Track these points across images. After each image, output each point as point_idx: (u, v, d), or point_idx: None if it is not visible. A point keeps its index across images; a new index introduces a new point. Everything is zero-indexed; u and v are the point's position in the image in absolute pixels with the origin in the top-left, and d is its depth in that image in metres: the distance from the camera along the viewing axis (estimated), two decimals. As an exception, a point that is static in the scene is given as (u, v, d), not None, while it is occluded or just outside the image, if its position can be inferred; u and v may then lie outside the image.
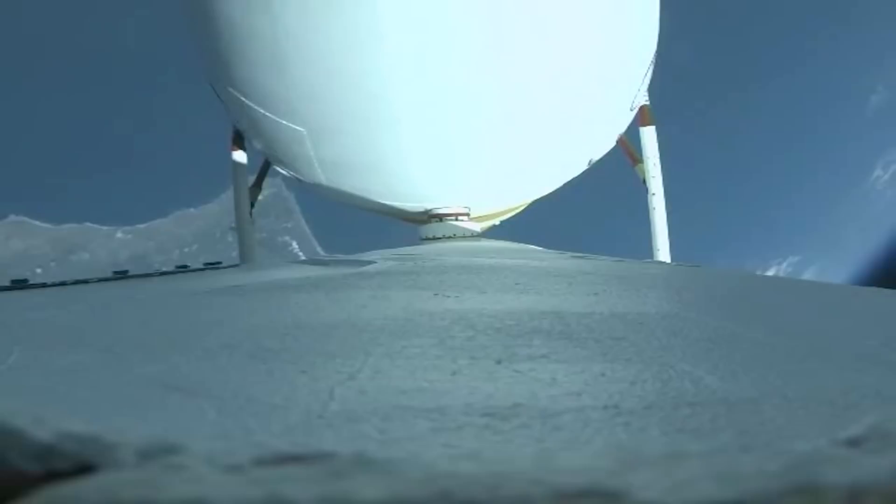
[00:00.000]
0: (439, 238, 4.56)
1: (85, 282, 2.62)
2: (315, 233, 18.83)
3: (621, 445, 0.68)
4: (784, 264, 21.76)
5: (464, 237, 4.60)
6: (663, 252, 5.20)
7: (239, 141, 5.06)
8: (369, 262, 2.75)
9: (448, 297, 1.88)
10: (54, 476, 0.29)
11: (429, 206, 4.55)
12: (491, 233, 6.17)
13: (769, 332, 1.32)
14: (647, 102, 5.06)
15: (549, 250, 4.35)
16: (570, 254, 3.90)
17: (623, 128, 4.86)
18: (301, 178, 4.72)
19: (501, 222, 6.33)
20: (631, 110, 4.63)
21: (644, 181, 5.23)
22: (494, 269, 2.40)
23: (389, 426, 0.75)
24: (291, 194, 18.25)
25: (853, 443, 0.30)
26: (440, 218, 4.58)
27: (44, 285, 2.55)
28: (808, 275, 21.60)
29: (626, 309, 1.51)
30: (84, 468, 0.30)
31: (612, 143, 4.90)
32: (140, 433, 0.34)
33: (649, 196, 5.23)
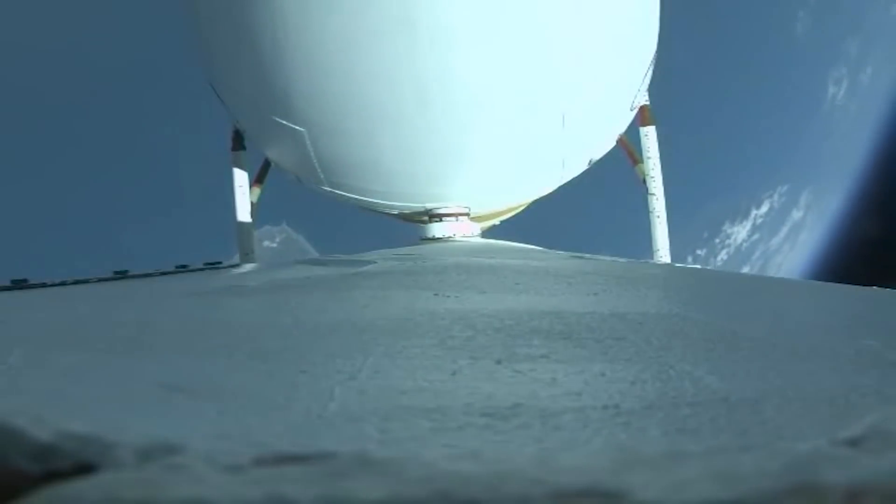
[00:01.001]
0: (439, 238, 4.56)
1: (85, 281, 2.62)
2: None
3: (621, 445, 0.68)
4: (775, 195, 22.14)
5: (463, 237, 4.60)
6: (663, 252, 5.20)
7: (239, 141, 5.07)
8: (369, 262, 2.75)
9: (448, 297, 1.88)
10: (54, 476, 0.29)
11: (429, 206, 4.55)
12: (491, 233, 6.17)
13: (769, 332, 1.32)
14: (647, 102, 5.06)
15: (549, 250, 4.35)
16: (570, 254, 3.89)
17: (623, 128, 4.87)
18: (301, 178, 4.73)
19: (501, 222, 6.34)
20: (631, 110, 4.64)
21: (644, 181, 5.23)
22: (494, 269, 2.40)
23: (389, 426, 0.75)
24: (300, 236, 18.62)
25: (853, 443, 0.30)
26: (440, 218, 4.58)
27: (44, 285, 2.55)
28: (804, 199, 21.93)
29: (626, 309, 1.51)
30: (84, 468, 0.30)
31: (613, 143, 4.91)
32: (140, 433, 0.34)
33: (649, 196, 5.23)
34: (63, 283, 2.56)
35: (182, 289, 2.23)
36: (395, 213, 4.95)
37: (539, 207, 5.92)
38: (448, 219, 4.58)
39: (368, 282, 2.06)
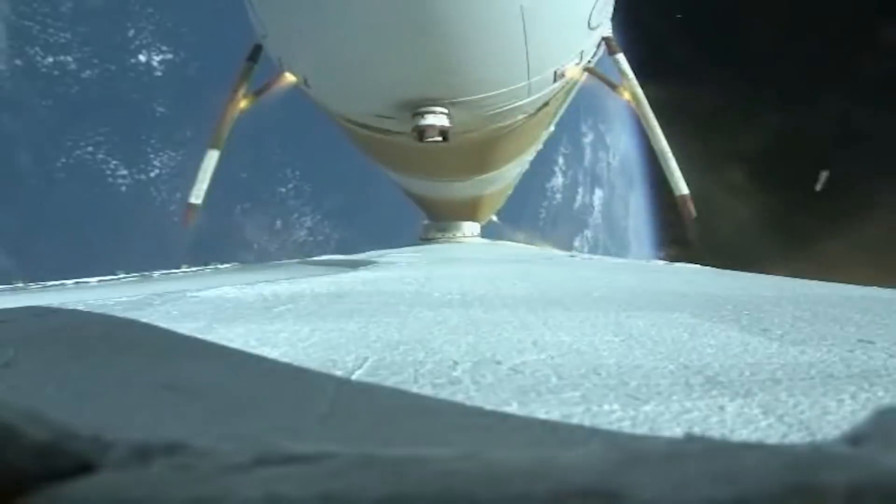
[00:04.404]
0: (439, 238, 4.57)
1: (85, 282, 2.62)
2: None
3: (621, 445, 0.68)
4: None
5: (464, 237, 4.61)
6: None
7: (256, 55, 5.18)
8: (370, 263, 2.75)
9: (448, 297, 1.88)
10: (54, 476, 0.29)
11: (415, 117, 4.51)
12: (490, 233, 6.19)
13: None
14: (611, 34, 5.15)
15: (548, 251, 4.35)
16: (568, 253, 3.89)
17: (584, 46, 4.90)
18: (305, 87, 4.79)
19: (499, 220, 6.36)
20: (591, 28, 4.66)
21: (628, 102, 5.29)
22: (493, 271, 2.40)
23: (390, 426, 0.75)
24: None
25: (853, 443, 0.30)
26: (421, 135, 4.49)
27: (44, 285, 2.55)
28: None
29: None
30: (84, 468, 0.30)
31: (579, 65, 4.89)
32: (140, 433, 0.34)
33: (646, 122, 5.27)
34: (63, 284, 2.56)
35: (181, 290, 2.23)
36: (383, 129, 4.93)
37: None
38: (430, 134, 4.55)
39: (370, 285, 2.05)
